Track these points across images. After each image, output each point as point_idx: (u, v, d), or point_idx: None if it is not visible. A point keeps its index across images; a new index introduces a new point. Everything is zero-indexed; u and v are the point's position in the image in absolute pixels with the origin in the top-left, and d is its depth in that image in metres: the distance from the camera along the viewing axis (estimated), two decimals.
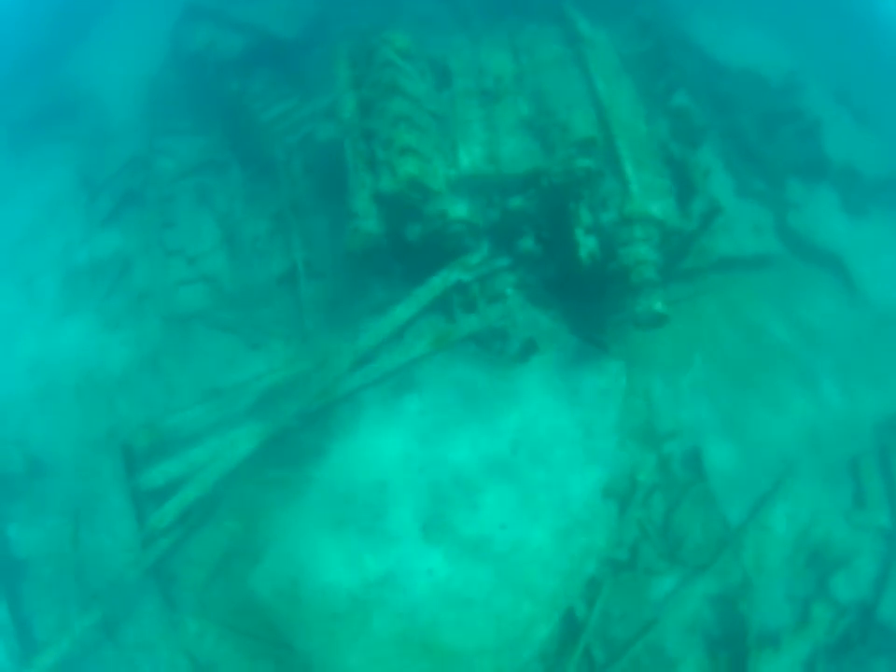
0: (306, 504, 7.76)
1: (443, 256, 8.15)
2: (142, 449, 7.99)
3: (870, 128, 12.42)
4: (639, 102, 8.89)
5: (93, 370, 9.29)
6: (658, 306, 7.22)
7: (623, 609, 7.68)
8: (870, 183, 11.40)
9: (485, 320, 8.23)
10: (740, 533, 8.16)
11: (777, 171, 10.74)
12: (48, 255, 10.58)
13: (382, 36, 8.71)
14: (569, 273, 8.06)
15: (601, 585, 7.58)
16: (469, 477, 7.75)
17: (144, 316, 9.39)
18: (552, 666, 7.34)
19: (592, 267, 7.61)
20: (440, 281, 8.07)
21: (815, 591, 8.17)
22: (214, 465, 7.74)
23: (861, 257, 10.43)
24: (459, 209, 7.86)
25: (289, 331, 8.90)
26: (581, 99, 8.49)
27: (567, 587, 7.41)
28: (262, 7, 11.45)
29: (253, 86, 10.72)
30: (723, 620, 7.77)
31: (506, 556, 7.41)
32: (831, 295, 10.15)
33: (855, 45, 13.64)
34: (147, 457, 7.98)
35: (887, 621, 8.06)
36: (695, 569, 7.88)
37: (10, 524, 8.33)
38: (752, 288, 9.73)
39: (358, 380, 7.99)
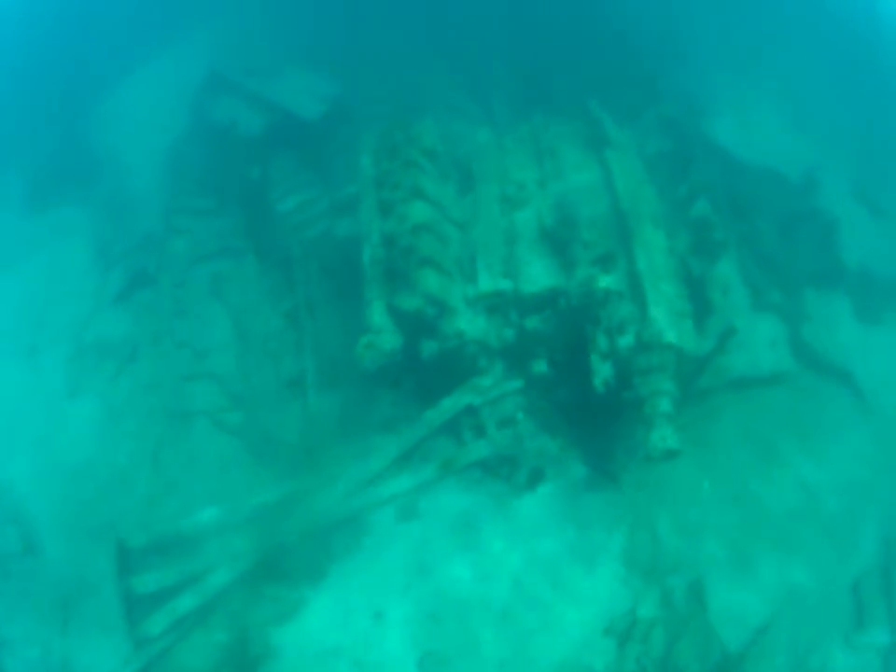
0: (300, 626, 7.63)
1: (456, 374, 8.05)
2: (137, 548, 7.91)
3: (888, 223, 12.36)
4: (660, 211, 8.83)
5: (94, 458, 9.19)
6: (671, 442, 7.05)
7: None
8: (885, 286, 11.30)
9: (494, 446, 8.11)
10: (739, 662, 7.95)
11: (794, 280, 10.64)
12: (55, 326, 10.51)
13: (408, 133, 8.70)
14: (581, 397, 7.93)
15: None
16: (468, 611, 7.59)
17: (148, 408, 9.28)
18: None
19: (606, 394, 7.46)
20: (450, 404, 7.99)
21: None
22: (210, 577, 7.61)
23: (872, 369, 10.24)
24: (476, 329, 7.78)
25: (295, 440, 8.77)
26: (604, 209, 8.45)
27: None
28: (286, 85, 11.44)
29: (273, 171, 10.67)
30: None
31: None
32: (842, 410, 9.93)
33: (875, 137, 13.61)
34: (141, 557, 7.89)
35: None
36: None
37: None
38: (765, 408, 9.51)
39: (363, 502, 7.90)
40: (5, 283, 11.13)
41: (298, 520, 7.74)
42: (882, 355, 10.51)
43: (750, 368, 9.64)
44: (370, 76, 12.47)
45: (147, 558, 7.85)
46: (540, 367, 8.08)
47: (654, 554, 8.16)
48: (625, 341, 7.44)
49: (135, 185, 11.78)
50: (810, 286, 10.84)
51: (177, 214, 10.93)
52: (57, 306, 10.69)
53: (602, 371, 7.38)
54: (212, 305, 10.08)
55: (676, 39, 13.65)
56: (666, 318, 7.55)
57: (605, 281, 7.48)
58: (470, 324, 7.77)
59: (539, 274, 7.99)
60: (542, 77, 12.58)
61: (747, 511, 8.75)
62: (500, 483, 8.15)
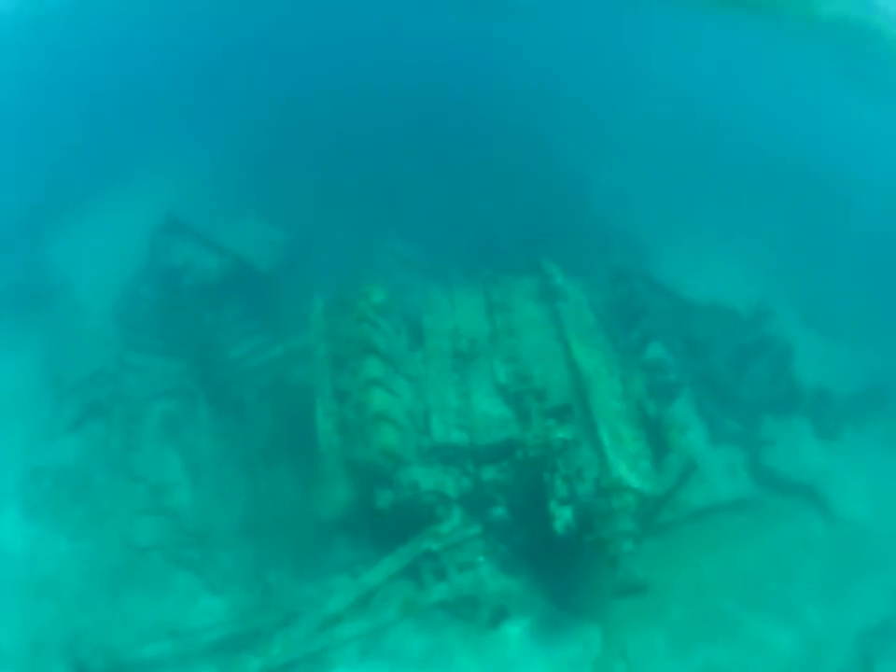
0: None
1: (413, 522, 7.93)
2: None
3: (839, 341, 12.68)
4: (614, 358, 8.99)
5: (51, 577, 8.94)
6: (638, 577, 7.40)
7: None
8: (842, 402, 11.48)
9: (456, 588, 7.94)
10: None
11: (751, 409, 10.80)
12: (9, 447, 10.28)
13: (359, 290, 8.78)
14: (541, 539, 7.82)
15: None
16: None
17: (104, 537, 9.09)
18: None
19: (566, 536, 7.39)
20: (409, 550, 7.85)
21: None
22: None
23: (834, 483, 10.36)
24: (431, 481, 7.74)
25: (251, 579, 8.55)
26: (557, 361, 8.58)
27: None
28: (240, 234, 11.75)
29: (225, 316, 10.84)
30: None
31: None
32: (805, 524, 9.99)
33: (820, 261, 14.13)
34: None
35: None
36: None
37: None
38: (728, 531, 9.56)
39: (324, 642, 7.63)
40: None
41: (258, 655, 7.46)
42: (843, 469, 10.60)
43: (710, 497, 9.65)
44: (321, 226, 12.89)
45: None
46: (499, 512, 8.03)
47: None
48: (584, 487, 7.45)
49: (90, 314, 11.88)
50: (768, 412, 11.02)
51: (131, 350, 10.90)
52: (9, 429, 10.48)
53: (562, 516, 7.36)
54: (165, 443, 9.98)
55: (621, 185, 14.30)
56: (624, 462, 7.60)
57: (562, 432, 7.54)
58: (426, 475, 7.73)
59: (493, 425, 8.00)
60: (492, 230, 13.03)
61: (716, 627, 8.70)
62: (464, 624, 8.01)
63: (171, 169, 14.25)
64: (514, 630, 8.10)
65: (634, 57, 21.51)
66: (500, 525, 8.13)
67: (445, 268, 11.47)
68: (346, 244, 12.32)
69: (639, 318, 9.64)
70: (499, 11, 20.50)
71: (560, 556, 8.03)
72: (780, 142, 17.60)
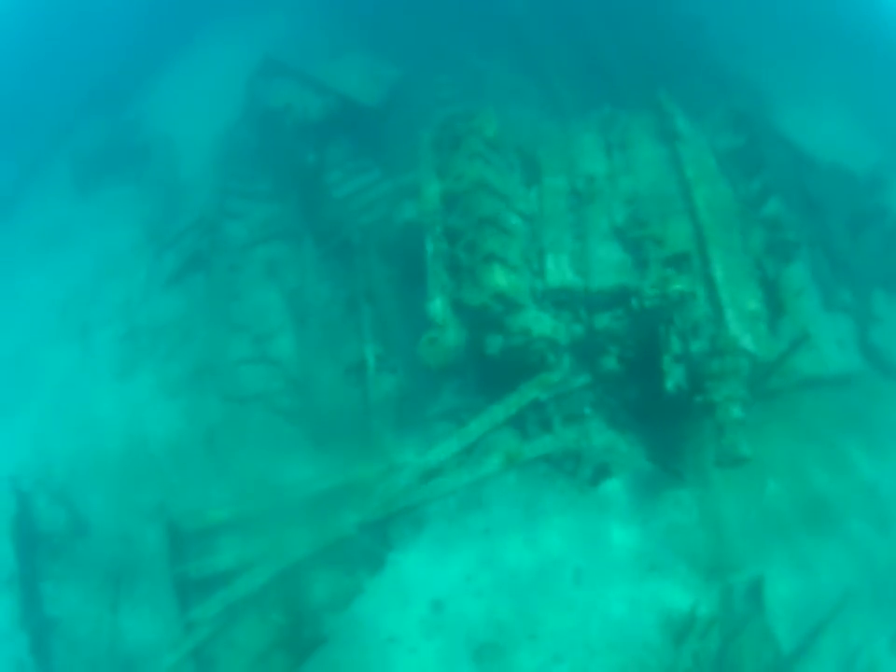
0: (356, 612, 7.49)
1: (522, 369, 7.83)
2: (190, 533, 7.80)
3: None
4: (735, 209, 8.52)
5: (147, 436, 9.10)
6: (742, 450, 6.85)
7: None
8: None
9: (560, 441, 7.89)
10: (792, 663, 7.69)
11: (863, 280, 10.28)
12: (107, 307, 10.45)
13: (471, 124, 8.41)
14: (650, 396, 7.69)
15: None
16: (527, 605, 7.44)
17: (202, 391, 9.12)
18: None
19: (676, 396, 7.21)
20: (516, 399, 7.76)
21: None
22: (264, 565, 7.50)
23: None
24: (544, 327, 7.53)
25: (353, 428, 8.55)
26: (677, 206, 8.15)
27: None
28: (344, 70, 11.19)
29: (331, 155, 10.43)
30: None
31: None
32: None
33: None
34: (194, 540, 7.80)
35: None
36: None
37: (47, 581, 8.16)
38: (833, 410, 9.24)
39: (424, 494, 7.71)
40: (58, 262, 11.03)
41: (357, 509, 7.60)
42: None
43: (818, 368, 9.29)
44: (430, 60, 12.23)
45: (200, 541, 7.77)
46: (610, 363, 7.84)
47: (717, 553, 7.96)
48: (699, 345, 7.20)
49: (188, 167, 11.69)
50: (879, 287, 10.47)
51: (231, 197, 10.73)
52: (110, 286, 10.58)
53: (674, 374, 7.15)
54: (268, 289, 9.89)
55: (742, 29, 13.23)
56: (741, 323, 7.30)
57: (680, 283, 7.21)
58: (538, 321, 7.51)
59: (609, 270, 7.70)
60: (608, 65, 12.19)
61: (810, 512, 8.53)
62: (565, 478, 7.97)
63: (268, 8, 13.57)
64: (613, 489, 8.06)
65: None
66: (610, 377, 7.95)
67: (560, 102, 10.93)
68: (456, 77, 11.77)
69: (760, 169, 9.08)
70: None
71: (667, 416, 7.87)
72: None
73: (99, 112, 12.97)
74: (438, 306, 7.53)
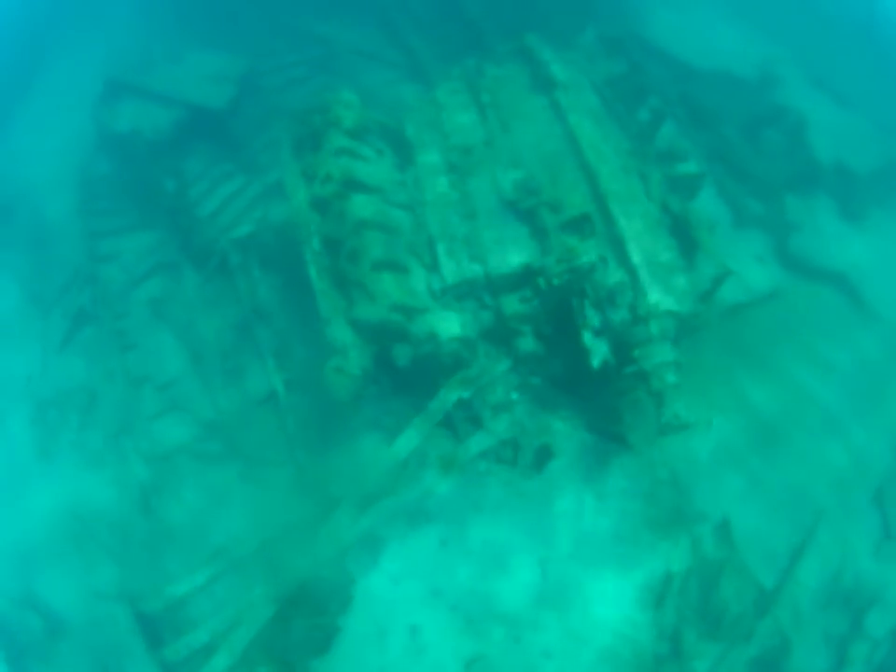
0: (339, 653, 7.19)
1: (438, 371, 7.35)
2: (155, 613, 7.45)
3: (854, 112, 11.63)
4: (627, 149, 8.05)
5: (84, 515, 8.51)
6: (684, 418, 6.60)
7: None
8: (865, 178, 10.67)
9: (493, 435, 7.51)
10: (776, 595, 7.60)
11: (771, 187, 9.97)
12: (10, 387, 9.59)
13: (328, 116, 7.71)
14: (575, 367, 7.25)
15: None
16: (502, 608, 7.23)
17: (124, 455, 8.57)
18: None
19: (605, 371, 6.81)
20: (439, 405, 7.32)
21: (851, 631, 7.68)
22: (238, 631, 7.10)
23: (867, 271, 9.75)
24: (451, 326, 7.05)
25: (281, 457, 8.13)
26: (567, 163, 7.63)
27: None
28: (186, 75, 10.40)
29: (190, 168, 9.78)
30: None
31: None
32: (840, 318, 9.47)
33: (825, 23, 12.75)
34: (162, 619, 7.49)
35: None
36: (737, 641, 7.37)
37: None
38: (763, 327, 9.06)
39: (370, 520, 7.35)
40: None
41: (310, 550, 7.29)
42: (874, 251, 9.95)
43: (743, 293, 9.10)
44: (274, 40, 11.53)
45: (169, 617, 7.46)
46: (527, 344, 7.38)
47: (677, 507, 7.79)
48: (619, 314, 6.80)
49: (53, 214, 10.77)
50: (788, 190, 10.22)
51: (100, 239, 9.98)
52: (7, 362, 9.76)
53: (598, 350, 6.69)
54: (159, 331, 9.29)
55: None
56: (659, 283, 6.93)
57: (587, 254, 6.72)
58: (443, 321, 7.04)
59: (508, 251, 7.21)
60: (463, 7, 11.41)
61: (759, 437, 8.42)
62: (507, 470, 7.67)
63: (103, 22, 12.52)
64: (559, 468, 7.77)
65: None
66: (530, 358, 7.50)
67: (419, 59, 10.26)
68: (305, 52, 11.16)
69: (645, 95, 8.66)
70: None
71: (599, 386, 7.48)
72: None
73: None
74: (336, 331, 6.98)
